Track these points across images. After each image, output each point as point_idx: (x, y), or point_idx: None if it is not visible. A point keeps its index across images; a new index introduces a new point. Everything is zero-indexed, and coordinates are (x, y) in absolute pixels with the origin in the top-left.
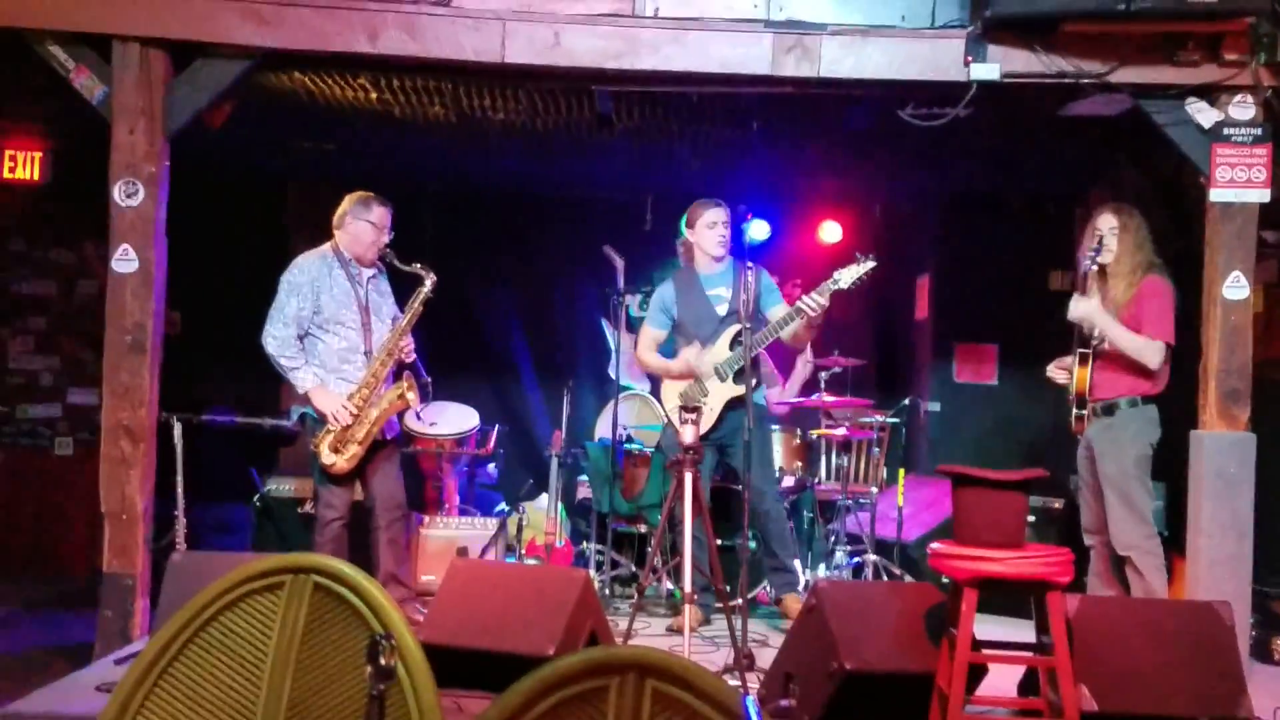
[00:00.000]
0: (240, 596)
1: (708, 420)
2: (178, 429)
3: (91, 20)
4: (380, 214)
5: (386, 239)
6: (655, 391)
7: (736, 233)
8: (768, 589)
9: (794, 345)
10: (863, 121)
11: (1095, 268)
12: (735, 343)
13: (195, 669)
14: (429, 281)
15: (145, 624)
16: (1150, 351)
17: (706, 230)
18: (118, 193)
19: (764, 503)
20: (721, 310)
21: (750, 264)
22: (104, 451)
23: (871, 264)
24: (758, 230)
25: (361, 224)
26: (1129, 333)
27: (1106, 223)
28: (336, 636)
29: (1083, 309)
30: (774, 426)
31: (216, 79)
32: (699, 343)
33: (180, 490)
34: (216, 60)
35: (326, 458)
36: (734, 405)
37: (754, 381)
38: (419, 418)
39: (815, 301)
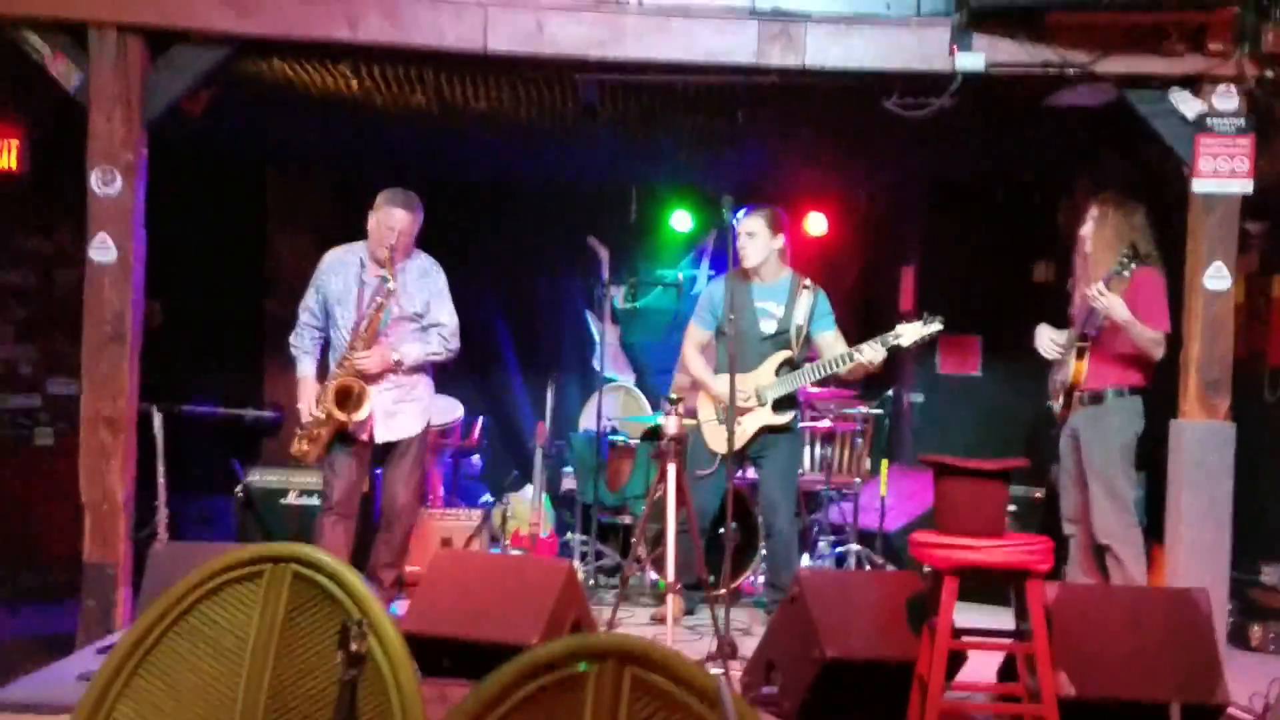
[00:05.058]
0: (219, 585)
1: (739, 439)
2: (158, 419)
3: (67, 7)
4: (387, 214)
5: (391, 240)
6: (640, 383)
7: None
8: (752, 579)
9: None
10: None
11: (1124, 274)
12: (781, 369)
13: (174, 658)
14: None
15: (127, 614)
16: (1159, 345)
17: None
18: (95, 181)
19: (777, 520)
20: (767, 328)
21: (808, 283)
22: (84, 442)
23: (938, 326)
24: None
25: (372, 220)
26: (1146, 328)
27: (1089, 214)
28: (316, 624)
29: (1111, 300)
30: None
31: (195, 66)
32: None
33: (161, 481)
34: (195, 47)
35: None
36: (767, 430)
37: (792, 415)
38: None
39: (874, 354)
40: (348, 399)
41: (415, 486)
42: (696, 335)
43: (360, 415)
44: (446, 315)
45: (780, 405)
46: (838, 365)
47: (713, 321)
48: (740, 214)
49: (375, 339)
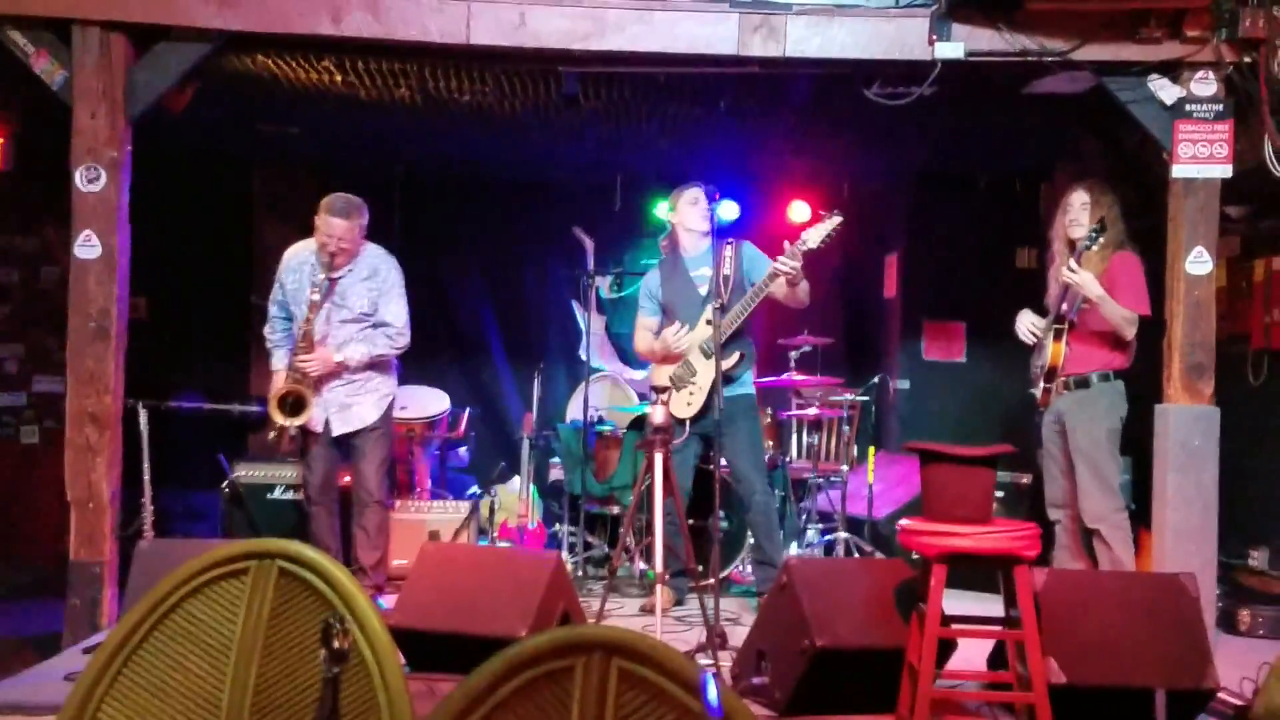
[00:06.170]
0: (204, 583)
1: (697, 401)
2: (143, 415)
3: (51, 4)
4: (325, 222)
5: (331, 247)
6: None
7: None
8: (741, 568)
9: (794, 306)
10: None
11: (1092, 247)
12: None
13: (160, 656)
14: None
15: (114, 612)
16: (1131, 324)
17: (689, 207)
18: (79, 178)
19: (753, 494)
20: (703, 289)
21: (730, 240)
22: (69, 439)
23: (838, 219)
24: (727, 210)
25: (315, 224)
26: (1119, 306)
27: (1079, 199)
28: (302, 621)
29: (1083, 276)
30: None
31: (179, 62)
32: (680, 323)
33: (147, 477)
34: (178, 43)
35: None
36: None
37: (736, 357)
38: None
39: (788, 264)
40: (287, 404)
41: (379, 470)
42: (647, 324)
43: (298, 421)
44: (393, 314)
45: (725, 351)
46: (761, 290)
47: (655, 308)
48: (691, 188)
49: (313, 343)
